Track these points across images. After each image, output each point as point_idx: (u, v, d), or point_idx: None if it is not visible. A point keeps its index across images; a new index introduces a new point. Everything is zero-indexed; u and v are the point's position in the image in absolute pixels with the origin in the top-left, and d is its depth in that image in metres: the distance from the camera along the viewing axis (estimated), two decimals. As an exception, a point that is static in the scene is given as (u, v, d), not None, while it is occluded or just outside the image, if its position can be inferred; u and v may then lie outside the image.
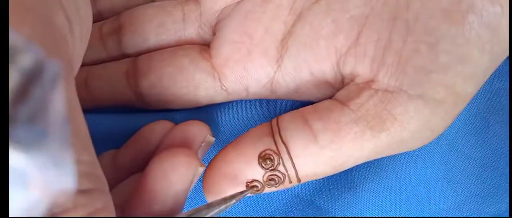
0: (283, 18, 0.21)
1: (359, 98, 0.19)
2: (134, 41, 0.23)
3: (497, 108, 0.23)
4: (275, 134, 0.20)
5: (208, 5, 0.23)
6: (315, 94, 0.21)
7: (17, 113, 0.09)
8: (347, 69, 0.20)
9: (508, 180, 0.23)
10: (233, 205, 0.18)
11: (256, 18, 0.22)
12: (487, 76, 0.20)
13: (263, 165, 0.19)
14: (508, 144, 0.23)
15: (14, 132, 0.09)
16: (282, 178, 0.19)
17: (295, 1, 0.21)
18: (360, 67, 0.20)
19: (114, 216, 0.15)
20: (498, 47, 0.19)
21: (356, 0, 0.20)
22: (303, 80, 0.21)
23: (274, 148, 0.19)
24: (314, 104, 0.20)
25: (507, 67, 0.23)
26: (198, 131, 0.20)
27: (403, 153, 0.21)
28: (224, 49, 0.22)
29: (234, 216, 0.23)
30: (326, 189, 0.23)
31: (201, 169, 0.18)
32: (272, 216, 0.23)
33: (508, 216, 0.23)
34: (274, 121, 0.20)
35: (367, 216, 0.23)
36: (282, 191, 0.21)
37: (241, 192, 0.19)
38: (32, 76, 0.09)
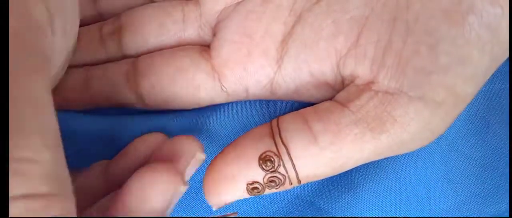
0: (283, 19, 0.21)
1: (359, 100, 0.19)
2: (134, 42, 0.23)
3: (497, 108, 0.23)
4: (276, 135, 0.20)
5: (208, 6, 0.23)
6: (315, 96, 0.21)
7: None
8: (347, 71, 0.20)
9: (508, 180, 0.23)
10: None
11: (256, 18, 0.22)
12: (487, 77, 0.20)
13: (263, 166, 0.19)
14: (508, 144, 0.23)
15: None
16: (282, 180, 0.19)
17: (296, 1, 0.21)
18: (360, 69, 0.20)
19: None
20: (498, 48, 0.19)
21: (356, 1, 0.20)
22: (303, 81, 0.21)
23: (274, 149, 0.19)
24: (315, 106, 0.20)
25: (507, 68, 0.23)
26: (189, 147, 0.18)
27: (403, 154, 0.21)
28: (224, 50, 0.22)
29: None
30: (326, 190, 0.23)
31: (183, 188, 0.17)
32: (272, 216, 0.23)
33: (508, 216, 0.23)
34: (274, 122, 0.20)
35: (367, 216, 0.23)
36: (282, 191, 0.21)
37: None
38: None
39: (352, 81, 0.20)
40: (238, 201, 0.20)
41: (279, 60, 0.21)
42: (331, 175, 0.20)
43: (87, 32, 0.24)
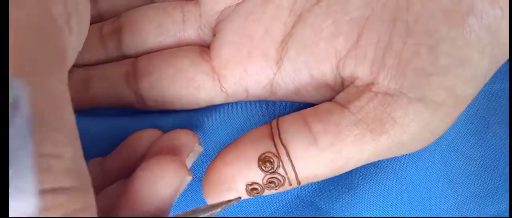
0: (283, 19, 0.21)
1: (359, 101, 0.19)
2: (134, 42, 0.23)
3: (497, 108, 0.23)
4: (275, 136, 0.20)
5: (208, 6, 0.23)
6: (315, 97, 0.21)
7: None
8: (347, 72, 0.20)
9: (508, 180, 0.23)
10: (218, 212, 0.18)
11: (256, 19, 0.22)
12: (487, 79, 0.20)
13: (262, 167, 0.19)
14: (508, 144, 0.23)
15: None
16: (282, 181, 0.19)
17: (296, 2, 0.21)
18: (360, 70, 0.20)
19: (95, 217, 0.14)
20: (498, 50, 0.19)
21: (356, 2, 0.20)
22: (303, 82, 0.21)
23: (274, 150, 0.19)
24: (315, 107, 0.20)
25: (507, 68, 0.23)
26: (187, 140, 0.19)
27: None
28: (224, 51, 0.22)
29: (235, 216, 0.23)
30: (326, 190, 0.23)
31: (188, 178, 0.18)
32: (272, 216, 0.23)
33: (508, 216, 0.23)
34: (274, 123, 0.20)
35: (367, 216, 0.23)
36: (282, 191, 0.21)
37: (228, 201, 0.18)
38: None
39: (352, 82, 0.20)
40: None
41: (279, 61, 0.21)
42: (331, 176, 0.20)
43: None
